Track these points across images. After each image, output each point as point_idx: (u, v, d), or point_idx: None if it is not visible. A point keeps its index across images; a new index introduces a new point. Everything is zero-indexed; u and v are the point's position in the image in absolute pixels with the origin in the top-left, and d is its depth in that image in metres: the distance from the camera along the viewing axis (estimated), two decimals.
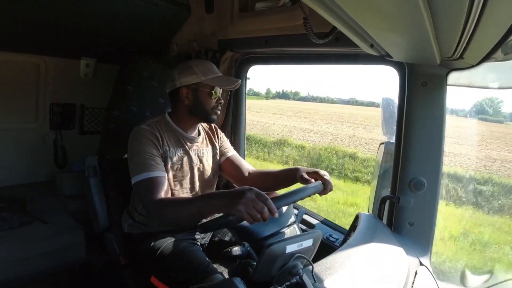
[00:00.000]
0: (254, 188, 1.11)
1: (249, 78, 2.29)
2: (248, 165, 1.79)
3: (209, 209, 1.17)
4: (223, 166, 1.79)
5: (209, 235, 1.74)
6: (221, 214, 1.13)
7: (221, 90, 1.62)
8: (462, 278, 1.62)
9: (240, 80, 1.63)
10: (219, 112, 1.63)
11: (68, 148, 2.83)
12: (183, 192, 1.63)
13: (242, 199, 1.06)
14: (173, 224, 1.50)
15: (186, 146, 1.64)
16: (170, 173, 1.57)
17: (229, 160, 1.78)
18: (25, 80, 2.52)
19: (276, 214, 1.07)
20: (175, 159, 1.58)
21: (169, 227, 1.57)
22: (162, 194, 1.38)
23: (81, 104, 2.80)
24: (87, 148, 2.67)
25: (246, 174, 1.75)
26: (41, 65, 2.52)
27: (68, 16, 1.94)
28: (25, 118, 2.63)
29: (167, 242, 1.54)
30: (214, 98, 1.59)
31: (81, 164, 2.59)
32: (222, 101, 1.64)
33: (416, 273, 1.29)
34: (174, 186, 1.59)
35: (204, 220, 1.22)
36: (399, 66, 1.54)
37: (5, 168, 2.59)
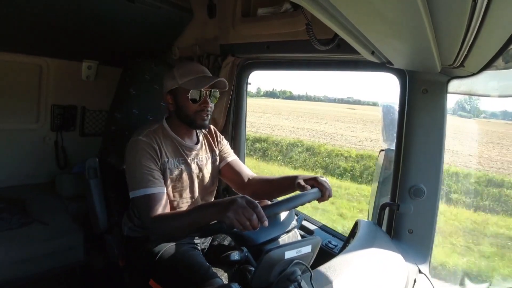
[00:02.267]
0: (246, 196, 1.11)
1: (250, 83, 2.29)
2: (249, 170, 1.78)
3: (203, 218, 1.17)
4: (223, 171, 1.78)
5: (208, 240, 1.74)
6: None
7: (205, 93, 1.53)
8: (461, 286, 1.61)
9: (221, 79, 1.55)
10: (206, 116, 1.55)
11: (68, 150, 2.83)
12: (183, 202, 1.62)
13: (232, 206, 1.07)
14: (171, 236, 1.51)
15: (185, 155, 1.62)
16: (170, 184, 1.55)
17: (229, 165, 1.77)
18: (27, 81, 2.52)
19: (266, 222, 1.07)
20: (174, 170, 1.57)
21: (168, 238, 1.57)
22: (160, 210, 1.38)
23: (82, 106, 2.80)
24: (88, 150, 2.67)
25: (246, 180, 1.73)
26: (43, 66, 2.52)
27: (71, 18, 1.95)
28: (26, 119, 2.63)
29: (167, 246, 1.53)
30: (194, 102, 1.52)
31: (81, 166, 2.60)
32: (209, 105, 1.55)
33: (415, 281, 1.29)
34: (173, 197, 1.58)
35: None
36: (400, 73, 1.54)
37: (5, 169, 2.59)
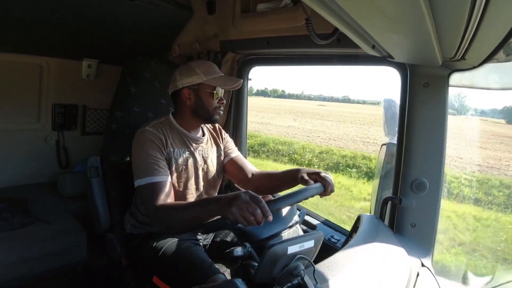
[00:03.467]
0: (249, 191, 1.12)
1: (250, 79, 2.29)
2: (252, 166, 1.79)
3: (206, 213, 1.18)
4: (226, 167, 1.79)
5: (211, 236, 1.74)
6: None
7: (223, 90, 1.61)
8: (464, 280, 1.61)
9: (242, 80, 1.63)
10: (221, 112, 1.64)
11: (70, 149, 2.83)
12: (188, 193, 1.63)
13: (236, 202, 1.08)
14: (173, 228, 1.52)
15: (191, 147, 1.64)
16: (175, 174, 1.57)
17: (233, 161, 1.79)
18: (27, 81, 2.52)
19: (270, 217, 1.08)
20: (179, 160, 1.59)
21: (170, 230, 1.58)
22: (164, 199, 1.40)
23: (83, 105, 2.80)
24: (89, 149, 2.68)
25: (250, 175, 1.74)
26: (43, 66, 2.52)
27: (70, 17, 1.94)
28: (28, 119, 2.63)
29: (170, 243, 1.53)
30: (216, 99, 1.59)
31: (83, 165, 2.60)
32: (224, 101, 1.64)
33: (418, 274, 1.29)
34: (178, 187, 1.59)
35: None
36: (400, 67, 1.53)
37: (7, 169, 2.59)
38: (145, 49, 2.39)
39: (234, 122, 2.31)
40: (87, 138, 2.88)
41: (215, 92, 1.58)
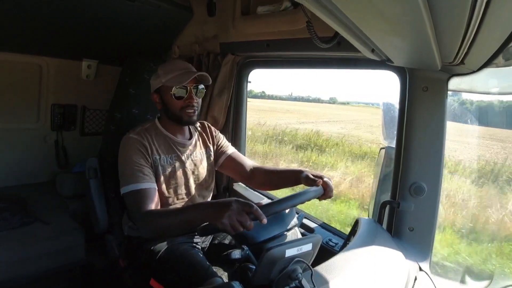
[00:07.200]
0: (240, 199, 1.10)
1: (250, 82, 2.29)
2: (249, 161, 1.80)
3: (196, 221, 1.17)
4: (225, 164, 1.79)
5: (209, 238, 1.74)
6: None
7: (190, 89, 1.54)
8: (462, 283, 1.61)
9: (203, 73, 1.55)
10: (192, 112, 1.56)
11: (69, 149, 2.83)
12: (179, 198, 1.62)
13: (227, 213, 1.06)
14: (161, 234, 1.49)
15: (178, 152, 1.63)
16: (164, 182, 1.55)
17: (231, 158, 1.78)
18: (26, 80, 2.52)
19: (265, 220, 1.07)
20: (167, 167, 1.57)
21: (156, 236, 1.56)
22: (150, 206, 1.38)
23: (82, 105, 2.80)
24: (88, 149, 2.67)
25: (249, 170, 1.75)
26: (43, 66, 2.52)
27: (71, 17, 1.95)
28: (27, 118, 2.63)
29: (167, 245, 1.53)
30: (179, 99, 1.53)
31: (82, 165, 2.59)
32: (194, 100, 1.55)
33: (415, 278, 1.29)
34: (168, 193, 1.58)
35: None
36: (400, 71, 1.53)
37: (6, 168, 2.59)
38: (144, 50, 2.40)
39: (234, 124, 2.30)
40: (86, 139, 2.88)
41: (171, 92, 1.52)
